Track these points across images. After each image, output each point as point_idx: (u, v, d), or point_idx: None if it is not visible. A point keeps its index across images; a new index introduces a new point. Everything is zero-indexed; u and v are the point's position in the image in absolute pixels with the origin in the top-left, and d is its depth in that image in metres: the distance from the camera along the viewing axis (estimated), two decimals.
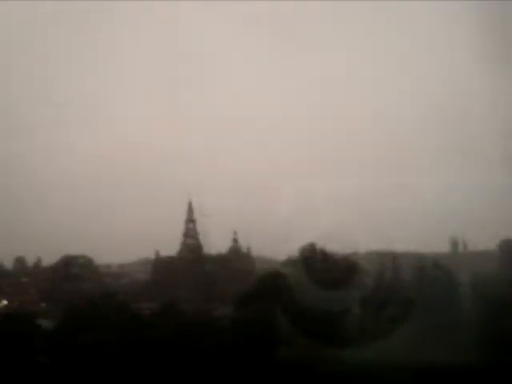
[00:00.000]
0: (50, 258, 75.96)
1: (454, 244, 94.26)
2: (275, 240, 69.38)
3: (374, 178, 69.75)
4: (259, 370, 39.03)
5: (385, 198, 66.94)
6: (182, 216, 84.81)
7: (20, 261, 75.95)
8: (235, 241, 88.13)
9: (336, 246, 57.48)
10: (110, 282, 74.19)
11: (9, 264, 76.65)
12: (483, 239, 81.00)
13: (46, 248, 73.69)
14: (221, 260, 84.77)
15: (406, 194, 60.55)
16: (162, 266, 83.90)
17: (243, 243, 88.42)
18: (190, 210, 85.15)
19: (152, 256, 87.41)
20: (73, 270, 73.25)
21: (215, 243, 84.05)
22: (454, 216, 73.20)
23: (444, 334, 43.03)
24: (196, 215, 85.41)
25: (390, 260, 61.36)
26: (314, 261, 57.45)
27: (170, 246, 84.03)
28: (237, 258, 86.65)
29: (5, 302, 62.45)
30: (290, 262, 61.11)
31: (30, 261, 77.91)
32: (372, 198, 69.19)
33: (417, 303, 46.52)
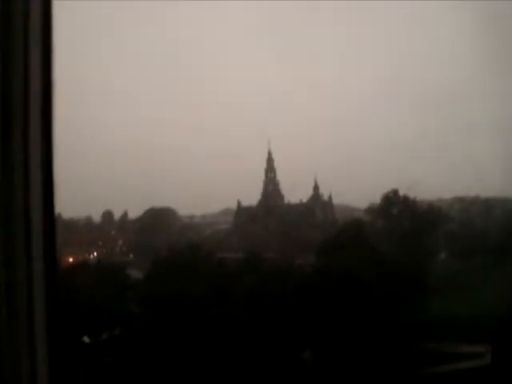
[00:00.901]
0: (136, 212, 78.33)
1: None
2: (356, 188, 68.26)
3: (459, 115, 66.00)
4: (344, 317, 39.06)
5: (472, 139, 63.83)
6: (263, 166, 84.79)
7: (108, 214, 78.53)
8: (316, 189, 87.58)
9: (420, 192, 55.75)
10: (193, 233, 75.67)
11: (97, 218, 79.62)
12: None
13: (131, 202, 75.87)
14: (302, 208, 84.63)
15: (495, 134, 57.28)
16: (243, 216, 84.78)
17: (324, 191, 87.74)
18: (270, 159, 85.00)
19: (234, 206, 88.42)
20: (158, 222, 75.31)
21: (296, 192, 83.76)
22: None
23: None
24: (276, 164, 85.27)
25: (479, 206, 59.25)
26: (397, 208, 56.28)
27: (252, 196, 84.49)
28: (318, 206, 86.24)
29: (95, 254, 65.17)
30: (372, 210, 60.17)
31: (117, 214, 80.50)
32: (457, 140, 66.21)
33: (508, 251, 44.82)
